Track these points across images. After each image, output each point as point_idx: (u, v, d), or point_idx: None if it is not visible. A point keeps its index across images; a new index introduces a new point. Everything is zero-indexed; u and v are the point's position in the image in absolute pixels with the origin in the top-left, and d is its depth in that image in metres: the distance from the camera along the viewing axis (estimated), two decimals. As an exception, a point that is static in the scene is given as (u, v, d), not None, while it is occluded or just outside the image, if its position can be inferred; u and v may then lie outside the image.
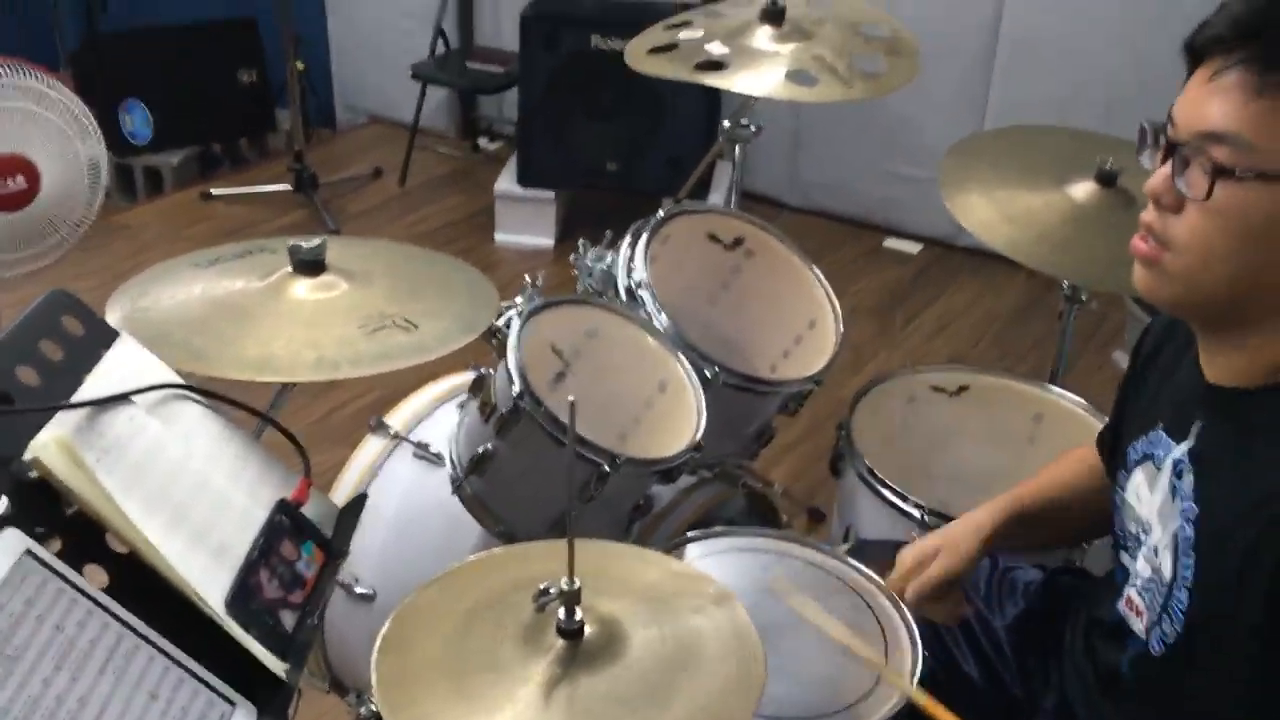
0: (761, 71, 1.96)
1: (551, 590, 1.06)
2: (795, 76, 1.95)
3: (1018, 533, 1.39)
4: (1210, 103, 1.00)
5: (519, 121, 3.87)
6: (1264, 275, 1.02)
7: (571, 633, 1.06)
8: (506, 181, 3.90)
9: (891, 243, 4.04)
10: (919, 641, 1.36)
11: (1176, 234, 1.04)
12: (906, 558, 1.39)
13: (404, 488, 1.76)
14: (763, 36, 2.04)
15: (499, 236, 3.93)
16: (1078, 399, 1.90)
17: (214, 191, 4.19)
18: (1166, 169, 1.04)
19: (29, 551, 0.91)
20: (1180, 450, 1.13)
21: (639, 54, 2.06)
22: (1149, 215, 1.07)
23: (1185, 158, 1.02)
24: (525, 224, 3.89)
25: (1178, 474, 1.12)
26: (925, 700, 1.23)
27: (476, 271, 1.66)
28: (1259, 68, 0.97)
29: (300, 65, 4.04)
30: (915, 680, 1.30)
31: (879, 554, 1.54)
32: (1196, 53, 1.03)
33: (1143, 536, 1.18)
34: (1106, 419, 1.41)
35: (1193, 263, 1.04)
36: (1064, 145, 2.09)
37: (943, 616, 1.40)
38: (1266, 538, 1.01)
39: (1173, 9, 1.06)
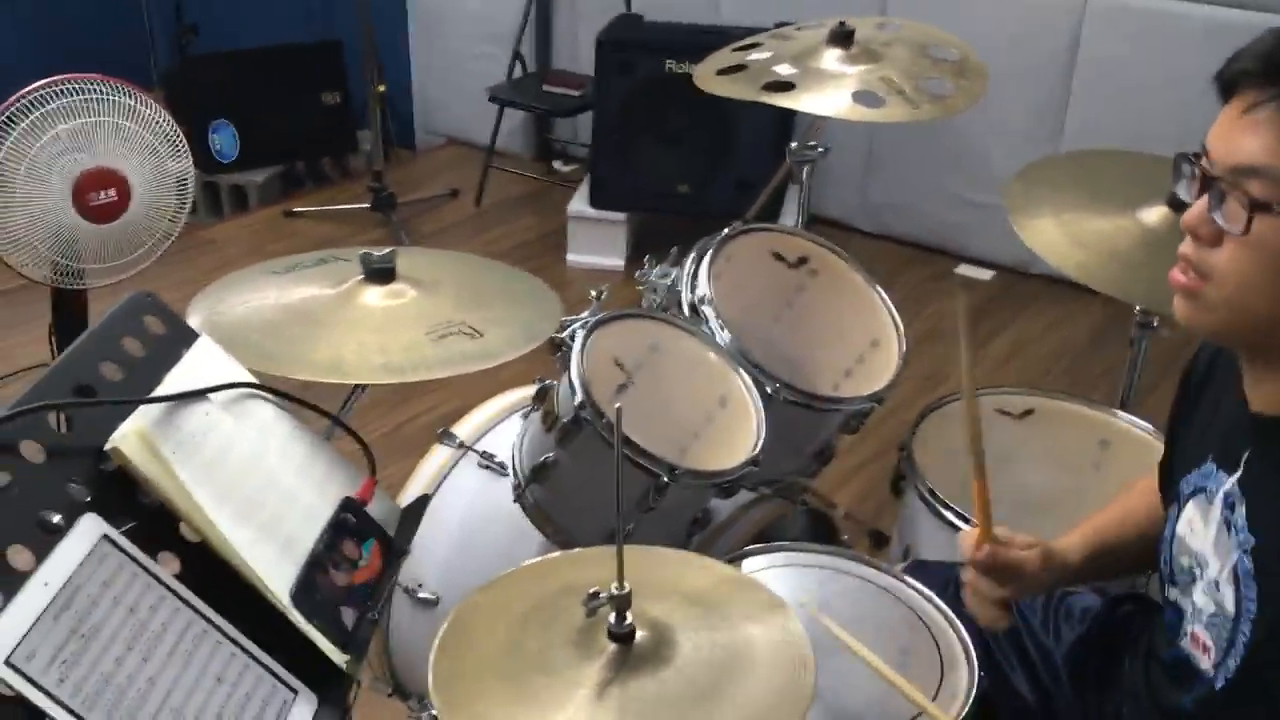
0: (828, 92, 1.97)
1: (602, 595, 1.08)
2: (862, 97, 1.96)
3: (1098, 566, 1.37)
4: (1245, 137, 1.00)
5: (592, 144, 3.92)
6: None
7: (622, 636, 1.08)
8: (579, 203, 3.95)
9: (964, 268, 4.01)
10: (975, 660, 1.35)
11: (1215, 266, 1.04)
12: (1002, 530, 1.32)
13: (468, 496, 1.80)
14: (831, 58, 2.05)
15: (570, 257, 3.98)
16: (1146, 425, 1.87)
17: (296, 209, 4.31)
18: (1203, 202, 1.04)
19: (106, 536, 0.96)
20: (1231, 482, 1.11)
21: (708, 75, 2.09)
22: (1187, 248, 1.07)
23: (1221, 191, 1.02)
24: (596, 245, 3.94)
25: (1229, 506, 1.11)
26: None
27: (540, 281, 1.70)
28: None
29: (382, 88, 4.15)
30: (969, 702, 1.29)
31: (936, 575, 1.53)
32: (1227, 85, 1.04)
33: (1197, 571, 1.16)
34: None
35: (1233, 294, 1.04)
36: (1136, 170, 2.06)
37: (991, 608, 1.33)
38: None
39: (1253, 37, 1.07)
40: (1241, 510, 1.09)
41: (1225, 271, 1.03)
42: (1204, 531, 1.15)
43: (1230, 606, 1.09)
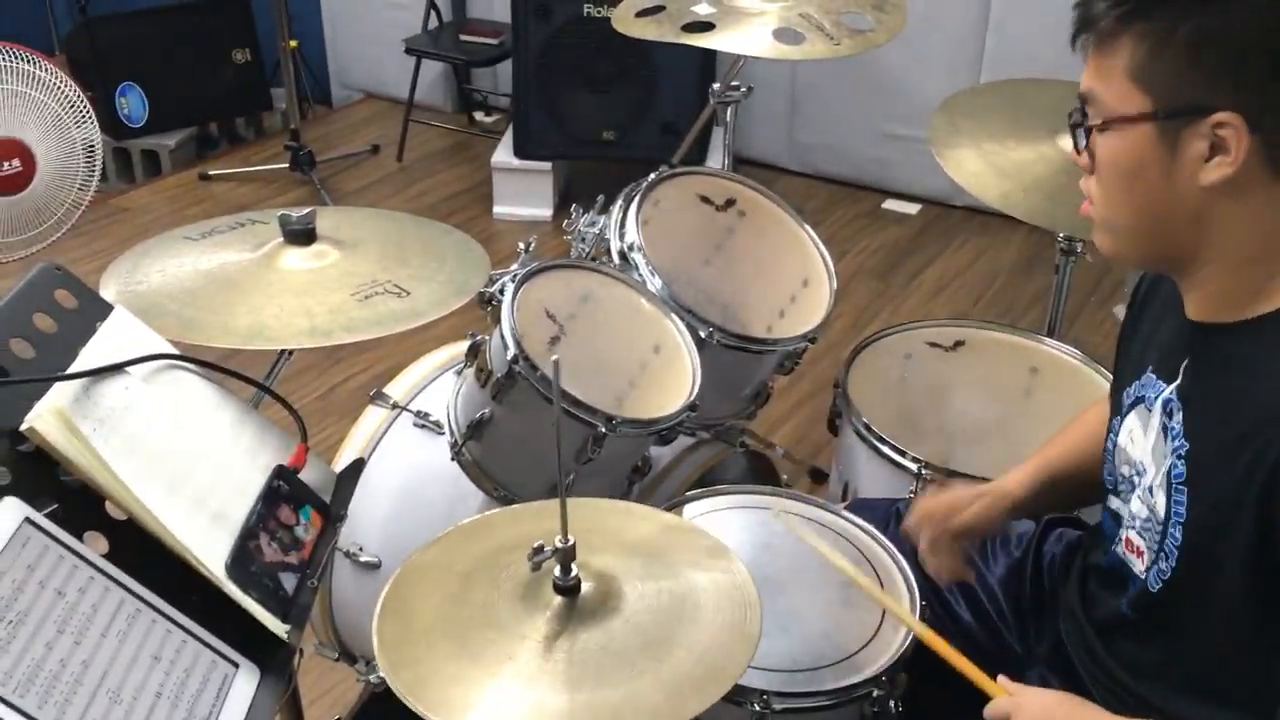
0: (748, 31, 1.95)
1: (546, 548, 1.07)
2: (782, 35, 1.94)
3: (1047, 499, 1.40)
4: (1085, 70, 1.09)
5: (513, 93, 3.86)
6: (1158, 211, 1.07)
7: (568, 589, 1.08)
8: (503, 154, 3.90)
9: (890, 204, 4.03)
10: (916, 592, 1.38)
11: (1091, 191, 1.13)
12: (936, 502, 1.41)
13: (406, 457, 1.78)
14: (750, -4, 2.03)
15: (497, 209, 3.93)
16: (1073, 350, 1.91)
17: (212, 172, 4.20)
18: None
19: (29, 519, 0.92)
20: (1170, 390, 1.14)
21: (627, 18, 2.06)
22: (1082, 179, 1.15)
23: (1074, 123, 1.11)
24: (523, 196, 3.89)
25: (1168, 413, 1.14)
26: (927, 633, 1.24)
27: (466, 235, 1.67)
28: (1095, 31, 1.06)
29: (293, 43, 4.04)
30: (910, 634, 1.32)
31: (877, 511, 1.55)
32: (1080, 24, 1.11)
33: (1136, 479, 1.19)
34: (1104, 370, 1.42)
35: (1105, 213, 1.12)
36: (1056, 98, 2.07)
37: (948, 574, 1.40)
38: (1250, 471, 1.02)
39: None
40: (1179, 417, 1.12)
41: (1096, 194, 1.12)
42: (1143, 440, 1.18)
43: (1161, 510, 1.13)
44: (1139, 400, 1.20)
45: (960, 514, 1.38)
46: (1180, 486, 1.10)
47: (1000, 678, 1.16)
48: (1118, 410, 1.25)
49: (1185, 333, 1.14)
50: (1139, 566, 1.18)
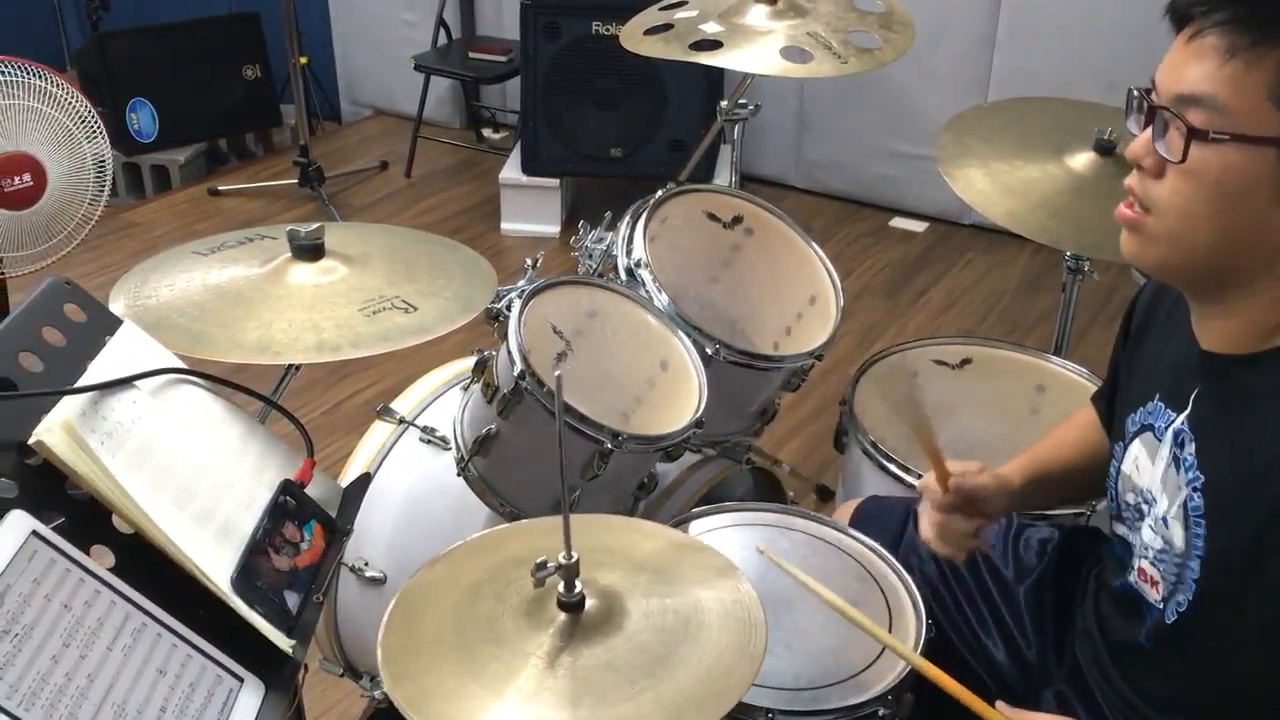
0: (756, 49, 1.96)
1: (550, 564, 1.07)
2: (790, 53, 1.95)
3: (1038, 492, 1.40)
4: (1188, 65, 1.01)
5: (521, 110, 3.88)
6: (1245, 237, 1.02)
7: (572, 605, 1.07)
8: (511, 170, 3.91)
9: (898, 222, 4.03)
10: (922, 607, 1.37)
11: (1158, 197, 1.04)
12: (954, 463, 1.34)
13: (411, 472, 1.78)
14: (757, 14, 2.04)
15: (505, 225, 3.94)
16: (1079, 368, 1.91)
17: (221, 188, 4.22)
18: (1148, 133, 1.05)
19: (35, 532, 0.93)
20: (1180, 420, 1.12)
21: (635, 35, 2.07)
22: (1132, 179, 1.08)
23: (1164, 121, 1.02)
24: (530, 212, 3.90)
25: (1179, 444, 1.12)
26: (924, 664, 1.24)
27: (474, 252, 1.67)
28: (1233, 29, 0.98)
29: (303, 59, 4.06)
30: (919, 648, 1.31)
31: (894, 510, 1.55)
32: (1179, 16, 1.04)
33: (1144, 508, 1.18)
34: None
35: (1174, 226, 1.04)
36: (1063, 116, 2.09)
37: (961, 538, 1.35)
38: (1276, 505, 1.01)
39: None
40: (1191, 448, 1.10)
41: (1167, 203, 1.04)
42: (1150, 469, 1.16)
43: (1179, 543, 1.11)
44: (1146, 428, 1.18)
45: (978, 477, 1.34)
46: (1199, 519, 1.08)
47: (999, 704, 1.15)
48: (1121, 437, 1.23)
49: (1195, 361, 1.12)
50: (1154, 596, 1.17)
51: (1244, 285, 1.05)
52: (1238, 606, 1.06)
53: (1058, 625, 1.43)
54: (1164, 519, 1.14)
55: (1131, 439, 1.20)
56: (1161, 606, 1.15)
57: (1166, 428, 1.14)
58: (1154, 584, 1.16)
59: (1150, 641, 1.18)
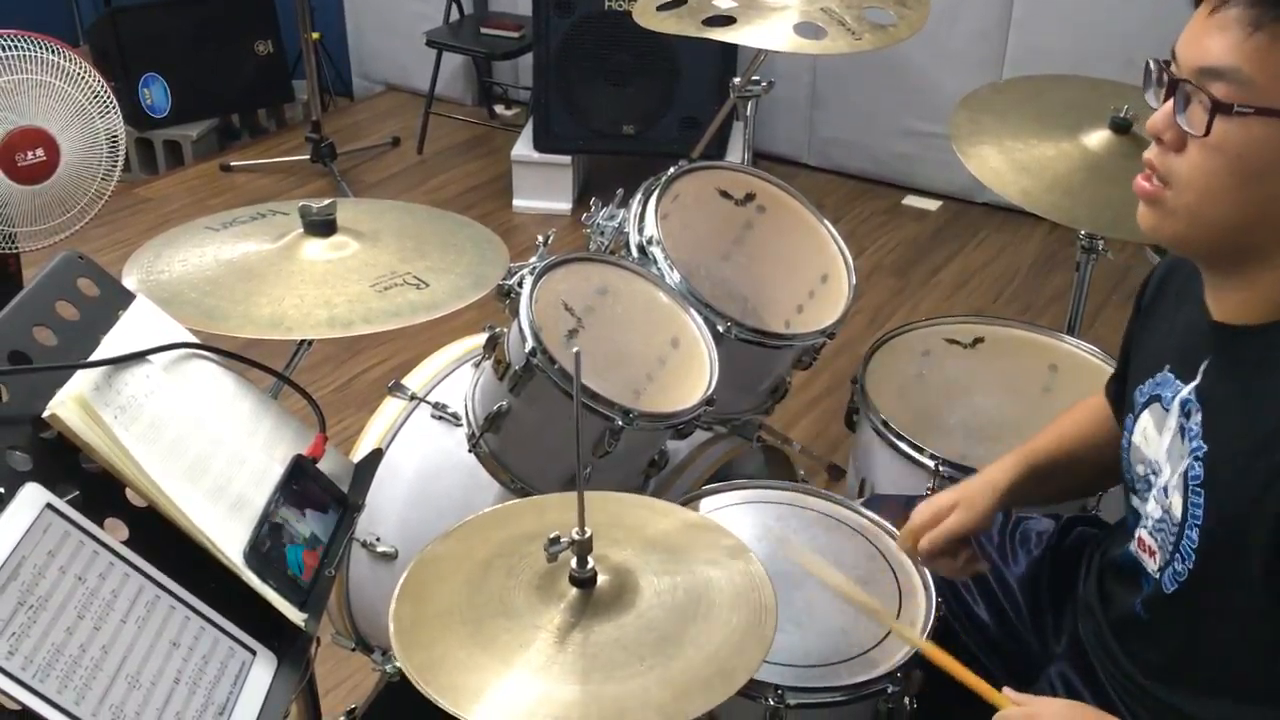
0: (770, 25, 1.95)
1: (562, 539, 1.07)
2: (803, 29, 1.94)
3: (1032, 488, 1.39)
4: (1210, 38, 1.00)
5: (534, 87, 3.87)
6: (1266, 210, 1.02)
7: (584, 581, 1.08)
8: (523, 147, 3.90)
9: (911, 200, 4.02)
10: (933, 588, 1.38)
11: (1178, 171, 1.04)
12: (921, 513, 1.38)
13: (423, 448, 1.78)
14: (772, -10, 2.02)
15: (517, 202, 3.93)
16: (1093, 348, 1.90)
17: (233, 163, 4.22)
18: (1168, 106, 1.04)
19: (50, 505, 0.93)
20: (1188, 390, 1.13)
21: (648, 11, 2.06)
22: (1151, 153, 1.07)
23: (1186, 94, 1.01)
24: (542, 189, 3.90)
25: (1186, 413, 1.12)
26: (932, 649, 1.24)
27: (485, 228, 1.67)
28: (1258, 2, 0.96)
29: (315, 35, 4.05)
30: (928, 629, 1.32)
31: (892, 507, 1.55)
32: None
33: (1152, 478, 1.18)
34: (1118, 367, 1.40)
35: (1194, 199, 1.03)
36: (1078, 94, 2.07)
37: (954, 572, 1.39)
38: (1273, 477, 1.01)
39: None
40: (1197, 418, 1.10)
41: (1188, 176, 1.03)
42: (1158, 439, 1.16)
43: (1177, 512, 1.11)
44: (1154, 399, 1.18)
45: (944, 523, 1.35)
46: (1198, 489, 1.09)
47: (1006, 689, 1.15)
48: (1130, 409, 1.23)
49: (1206, 332, 1.12)
50: (1151, 565, 1.17)
51: (1260, 258, 1.05)
52: (1234, 576, 1.07)
53: (1055, 608, 1.43)
54: (1165, 488, 1.14)
55: (1141, 410, 1.20)
56: (1158, 576, 1.16)
57: (1174, 398, 1.14)
58: (1151, 553, 1.17)
59: (1147, 611, 1.19)
